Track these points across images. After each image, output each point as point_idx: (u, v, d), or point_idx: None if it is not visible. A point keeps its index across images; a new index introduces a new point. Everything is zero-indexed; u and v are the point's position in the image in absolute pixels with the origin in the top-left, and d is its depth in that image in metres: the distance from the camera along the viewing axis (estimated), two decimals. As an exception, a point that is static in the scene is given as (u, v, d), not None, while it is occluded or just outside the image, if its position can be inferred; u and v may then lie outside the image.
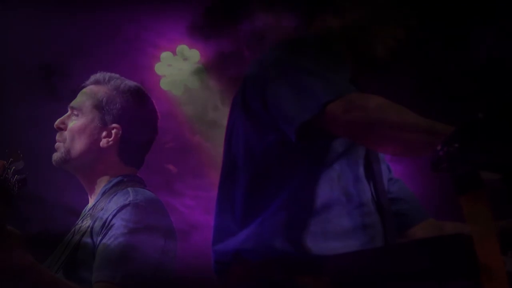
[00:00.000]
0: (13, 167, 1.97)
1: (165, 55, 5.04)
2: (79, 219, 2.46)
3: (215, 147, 4.58)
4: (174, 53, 5.04)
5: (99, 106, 2.47)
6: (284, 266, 1.70)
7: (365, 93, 1.70)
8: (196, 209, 4.24)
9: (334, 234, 1.73)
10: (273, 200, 1.75)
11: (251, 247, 1.74)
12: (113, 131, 2.45)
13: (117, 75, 2.58)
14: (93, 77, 2.57)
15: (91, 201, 2.46)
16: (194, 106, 4.96)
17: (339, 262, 1.60)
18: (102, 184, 2.43)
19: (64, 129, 2.47)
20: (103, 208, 2.28)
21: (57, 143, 2.47)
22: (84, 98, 2.52)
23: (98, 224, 2.23)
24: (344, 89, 1.64)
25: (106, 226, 2.19)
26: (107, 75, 2.56)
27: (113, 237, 2.15)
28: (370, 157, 1.88)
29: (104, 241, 2.16)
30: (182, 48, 5.02)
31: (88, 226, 2.26)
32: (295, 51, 1.77)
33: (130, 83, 2.56)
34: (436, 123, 1.44)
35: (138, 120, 2.51)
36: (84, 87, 2.57)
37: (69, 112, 2.50)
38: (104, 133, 2.44)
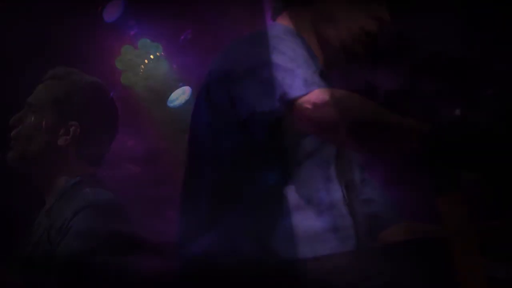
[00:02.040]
0: None
1: (126, 48, 4.94)
2: (36, 221, 2.37)
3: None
4: (136, 47, 4.96)
5: (57, 102, 2.39)
6: (252, 270, 1.65)
7: (335, 88, 1.66)
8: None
9: (303, 237, 1.68)
10: (239, 202, 1.70)
11: (217, 251, 1.68)
12: (71, 129, 2.36)
13: (76, 70, 2.51)
14: (51, 72, 2.49)
15: (48, 202, 2.36)
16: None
17: (308, 266, 1.57)
18: (60, 184, 2.33)
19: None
20: (61, 210, 2.20)
21: (12, 141, 2.37)
22: (42, 93, 2.43)
23: (56, 227, 2.16)
24: (314, 84, 1.59)
25: (64, 229, 2.12)
26: (66, 69, 2.48)
27: (71, 242, 2.08)
28: (341, 157, 1.83)
29: (61, 245, 2.09)
30: (144, 41, 4.93)
31: (45, 229, 2.19)
32: (262, 45, 1.72)
33: (89, 78, 2.49)
34: (412, 120, 1.40)
35: (98, 117, 2.43)
36: (41, 82, 2.49)
37: (25, 108, 2.41)
38: (62, 131, 2.36)
